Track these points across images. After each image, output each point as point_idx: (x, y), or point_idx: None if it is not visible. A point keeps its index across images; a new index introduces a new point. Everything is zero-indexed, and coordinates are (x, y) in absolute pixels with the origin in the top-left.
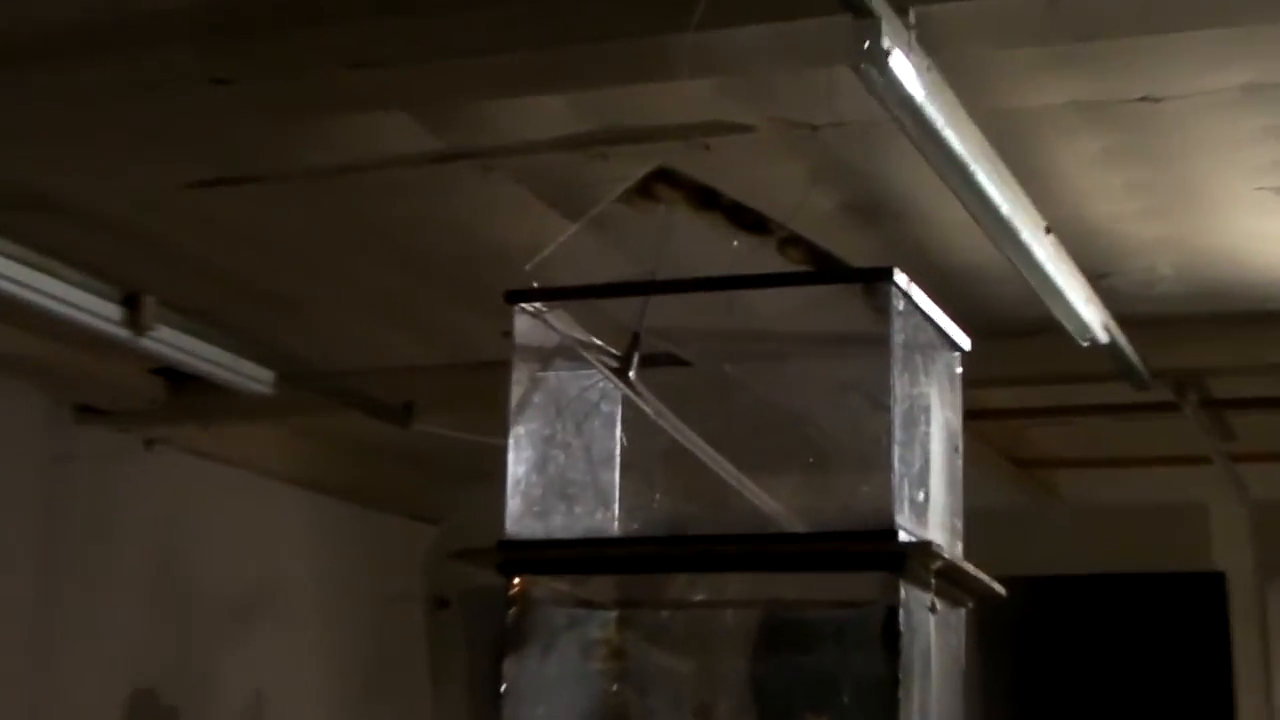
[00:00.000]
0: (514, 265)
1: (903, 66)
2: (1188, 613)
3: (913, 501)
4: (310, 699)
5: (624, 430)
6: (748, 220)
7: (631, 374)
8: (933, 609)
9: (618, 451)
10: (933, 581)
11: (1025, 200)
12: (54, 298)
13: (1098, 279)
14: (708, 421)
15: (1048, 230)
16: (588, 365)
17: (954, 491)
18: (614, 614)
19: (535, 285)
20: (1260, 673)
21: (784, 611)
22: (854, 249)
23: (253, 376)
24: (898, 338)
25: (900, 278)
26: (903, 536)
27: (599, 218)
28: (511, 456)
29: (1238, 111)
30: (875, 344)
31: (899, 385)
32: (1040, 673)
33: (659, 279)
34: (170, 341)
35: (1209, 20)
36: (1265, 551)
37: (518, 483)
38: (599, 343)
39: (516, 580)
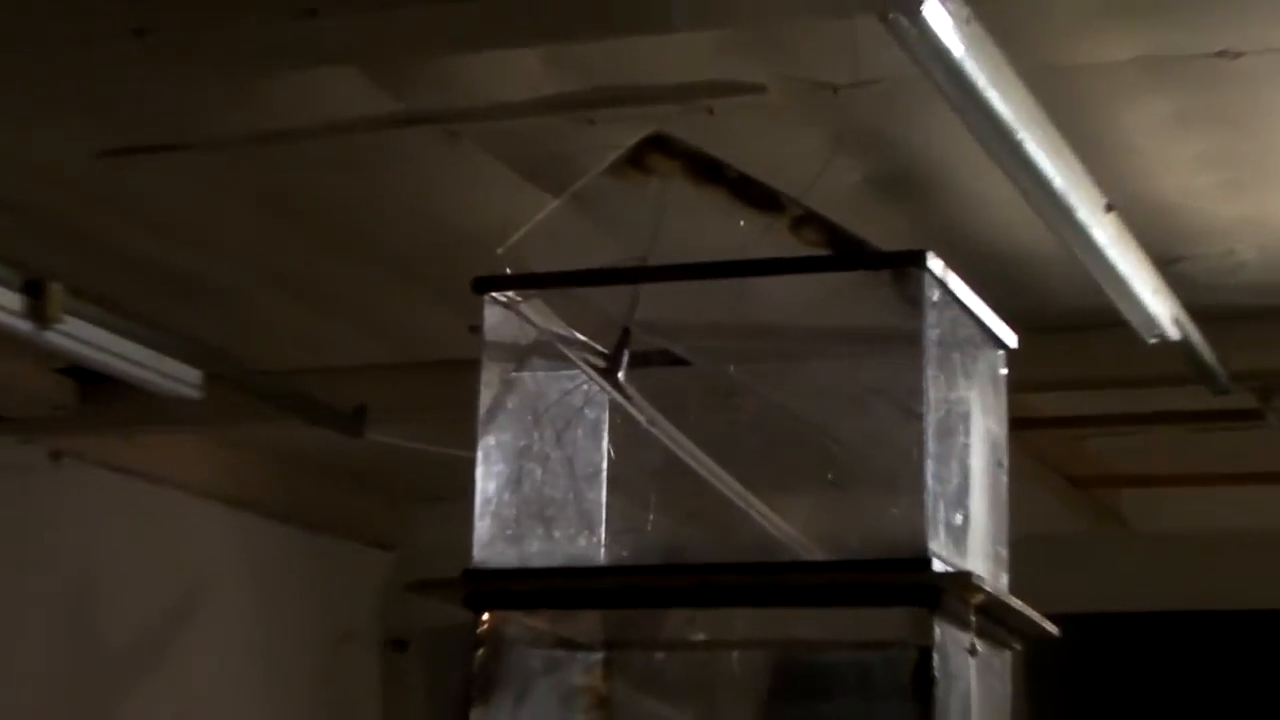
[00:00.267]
0: (483, 248)
1: (938, 16)
2: (1272, 658)
3: (949, 526)
4: None
5: (612, 441)
6: (757, 196)
7: (620, 375)
8: (973, 651)
9: (604, 466)
10: (973, 619)
11: (1082, 173)
12: None
13: (1168, 265)
14: (710, 431)
15: (1109, 208)
16: (569, 365)
17: (998, 514)
18: (600, 656)
19: (508, 271)
20: None
21: (799, 654)
22: (881, 230)
23: (177, 377)
24: (932, 333)
25: (935, 263)
26: (938, 566)
27: (583, 193)
28: (480, 471)
29: None
30: (905, 341)
31: (933, 389)
32: None
33: (652, 264)
34: (80, 336)
35: None
36: None
37: (487, 502)
38: (583, 339)
39: (486, 616)
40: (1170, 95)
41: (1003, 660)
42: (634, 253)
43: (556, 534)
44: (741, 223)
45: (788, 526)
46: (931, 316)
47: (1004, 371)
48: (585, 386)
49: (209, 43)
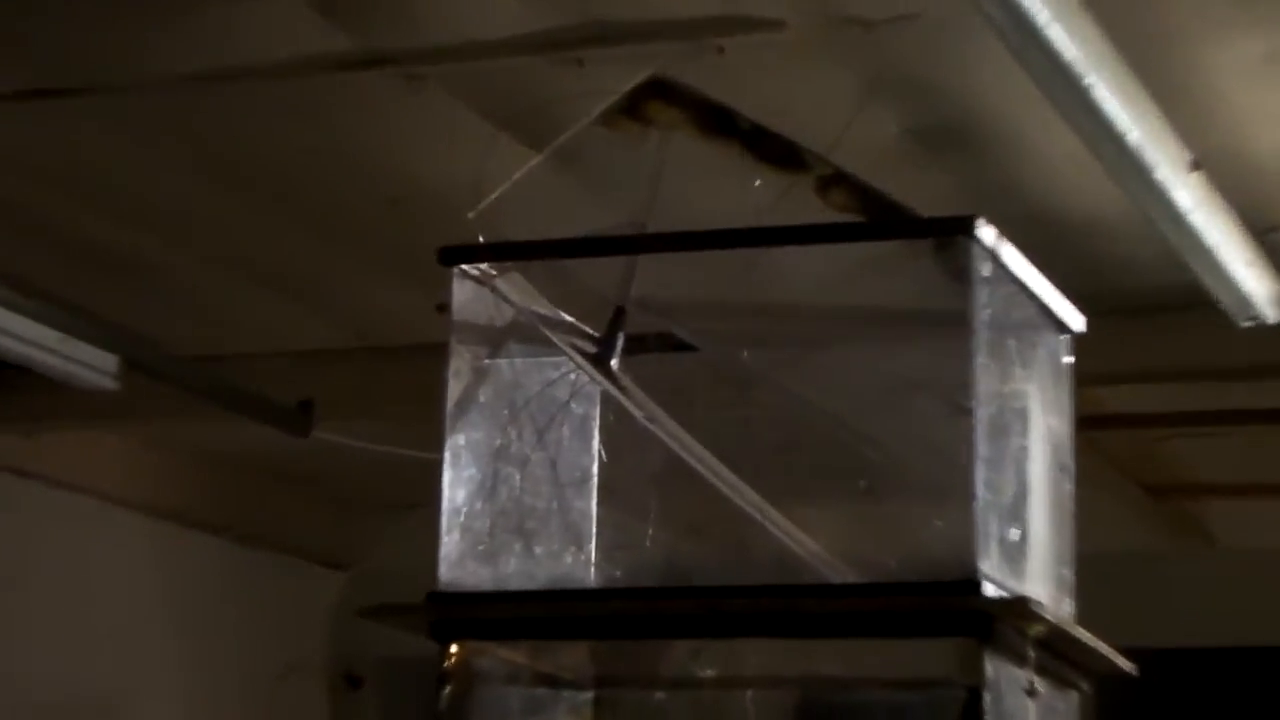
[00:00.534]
0: (453, 213)
1: None
2: None
3: (1003, 542)
4: None
5: (603, 441)
6: (775, 152)
7: (614, 363)
8: (1031, 692)
9: (595, 470)
10: (1031, 654)
11: (1163, 124)
12: None
13: (1264, 234)
14: (719, 430)
15: (1195, 166)
16: (554, 350)
17: (1061, 529)
18: (589, 695)
19: (481, 240)
20: None
21: (824, 694)
22: (922, 192)
23: (91, 364)
24: (982, 315)
25: (986, 231)
26: (989, 591)
27: (569, 148)
28: (447, 476)
29: None
30: (951, 324)
31: (984, 381)
32: None
33: (651, 232)
34: None
35: None
36: None
37: (456, 513)
38: (569, 320)
39: (454, 648)
40: (1267, 33)
41: (1067, 702)
42: (630, 218)
43: (538, 550)
44: (757, 183)
45: (811, 543)
46: (982, 294)
47: (1068, 360)
48: (572, 376)
49: None
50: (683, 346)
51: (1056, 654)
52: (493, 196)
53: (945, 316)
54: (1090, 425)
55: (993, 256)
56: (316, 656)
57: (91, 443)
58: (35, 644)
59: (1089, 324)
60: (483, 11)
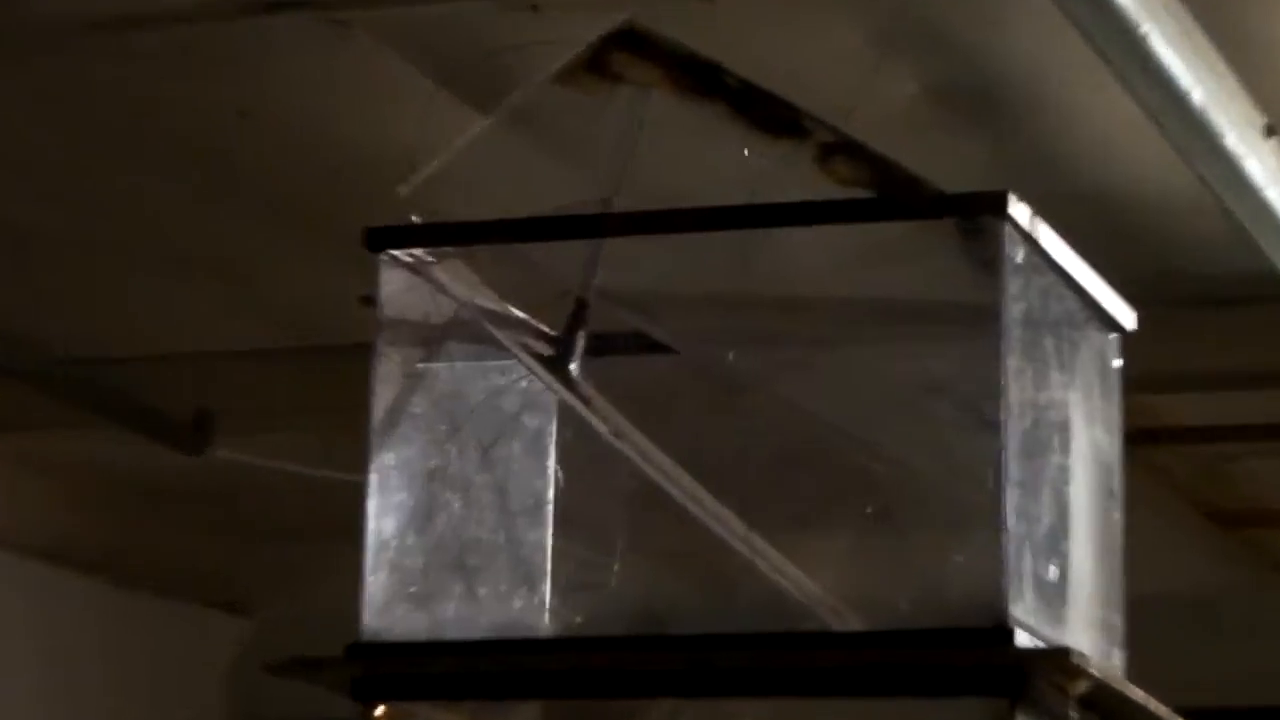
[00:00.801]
0: (382, 186)
1: None
2: None
3: (1039, 581)
4: None
5: (561, 460)
6: (770, 115)
7: (573, 367)
8: None
9: (551, 495)
10: (1074, 715)
11: (1233, 83)
12: None
13: None
14: (700, 447)
15: (1270, 131)
16: (502, 352)
17: (1108, 565)
18: None
19: (415, 220)
20: None
21: None
22: (945, 163)
23: None
24: (1014, 310)
25: (1020, 210)
26: (1023, 640)
27: (523, 109)
28: (373, 503)
29: None
30: (977, 321)
31: (1016, 387)
32: None
33: (620, 211)
34: None
35: None
36: None
37: (384, 547)
38: (520, 316)
39: (380, 710)
40: None
41: None
42: (594, 194)
43: (482, 592)
44: (747, 152)
45: (810, 582)
46: (1015, 285)
47: (1118, 363)
48: (524, 383)
49: None
50: (657, 347)
51: (1104, 714)
52: (430, 167)
53: (970, 312)
54: (1144, 440)
55: (1028, 240)
56: (214, 716)
57: None
58: None
59: (1143, 319)
60: None
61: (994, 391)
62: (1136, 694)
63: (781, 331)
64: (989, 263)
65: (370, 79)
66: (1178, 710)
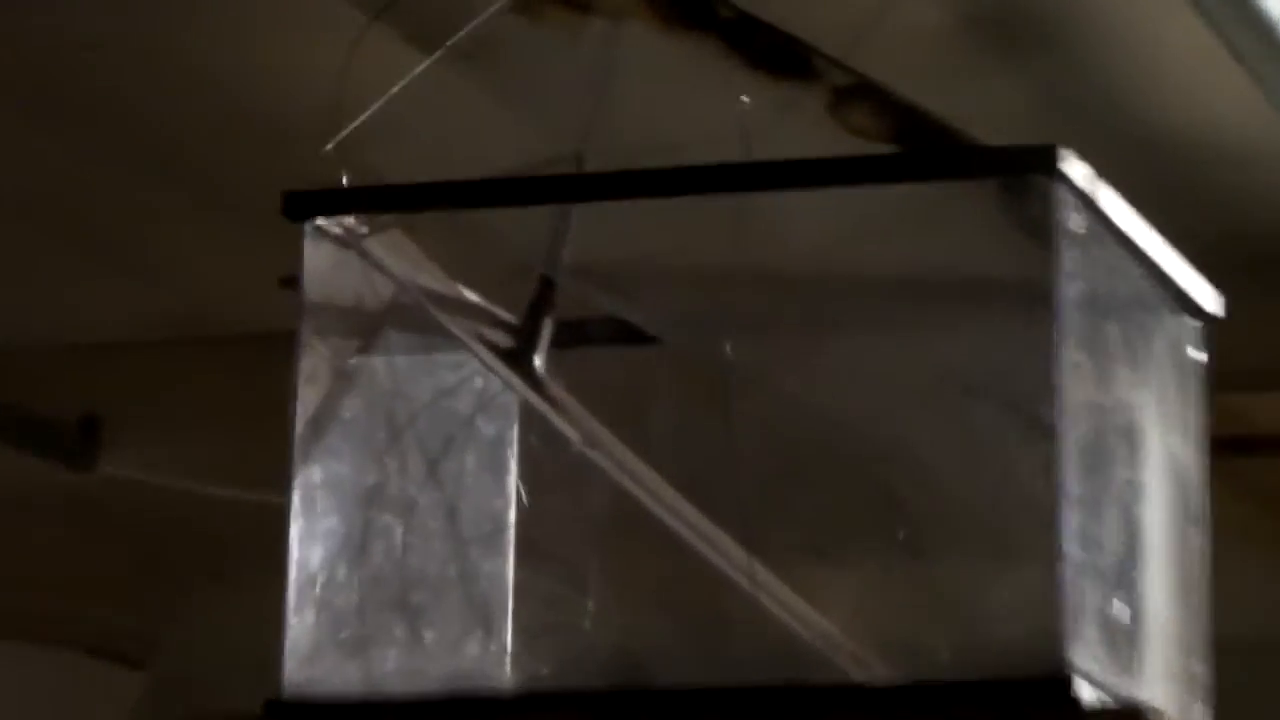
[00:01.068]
0: (305, 140)
1: None
2: None
3: (1104, 620)
4: None
5: (524, 476)
6: (771, 53)
7: (538, 361)
8: None
9: (511, 518)
10: None
11: None
12: None
13: None
14: (691, 457)
15: None
16: (452, 343)
17: (1189, 601)
18: None
19: (345, 182)
20: None
21: None
22: (984, 109)
23: None
24: (1070, 288)
25: (1075, 167)
26: (1086, 693)
27: (474, 47)
28: (297, 529)
29: None
30: (1025, 302)
31: (1074, 387)
32: None
33: (593, 171)
34: None
35: None
36: None
37: (310, 582)
38: (473, 299)
39: None
40: None
41: None
42: (561, 150)
43: (429, 636)
44: (744, 98)
45: (826, 623)
46: (1070, 259)
47: (1199, 356)
48: (479, 381)
49: None
50: (638, 336)
51: None
52: (363, 118)
53: (1016, 293)
54: (1232, 450)
55: (1086, 203)
56: None
57: None
58: None
59: (1230, 302)
60: None
61: (1047, 390)
62: None
63: (787, 317)
64: (1038, 232)
65: (288, 8)
66: None
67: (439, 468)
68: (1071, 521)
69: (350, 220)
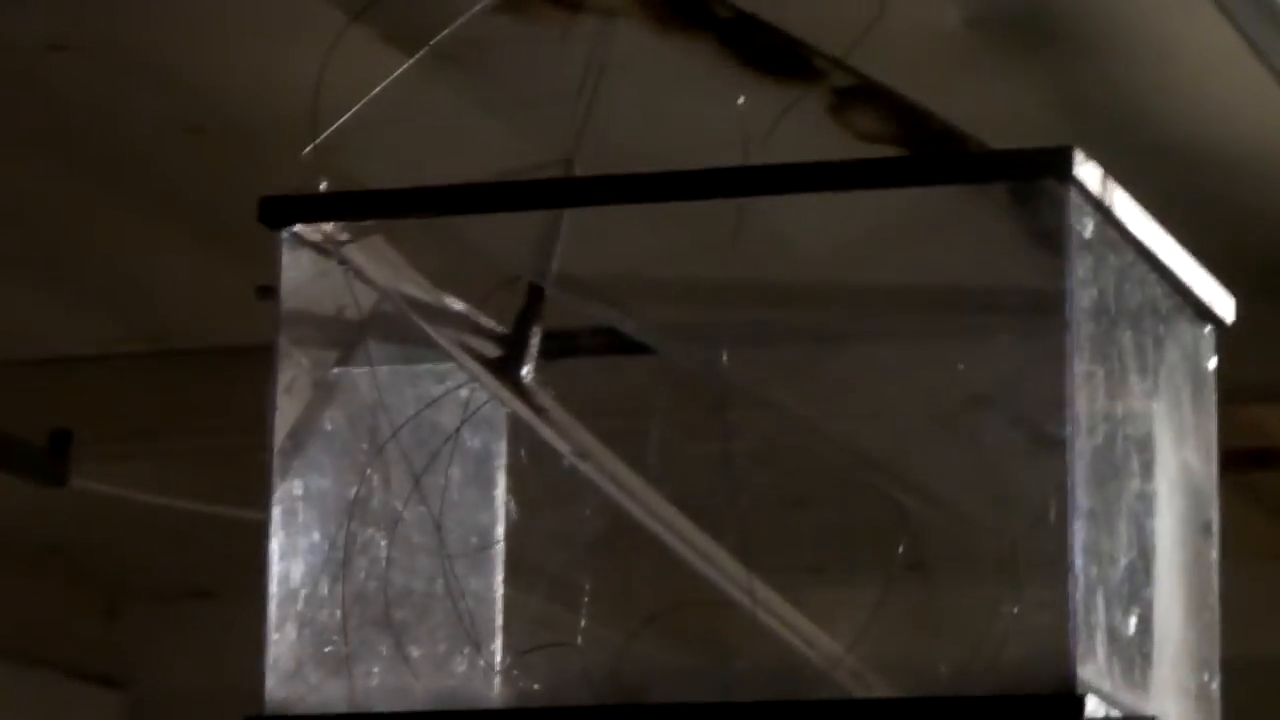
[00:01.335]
0: (281, 146)
1: None
2: None
3: (1114, 636)
4: None
5: (512, 489)
6: (770, 53)
7: (526, 372)
8: None
9: (500, 532)
10: None
11: None
12: None
13: None
14: (687, 472)
15: None
16: (437, 354)
17: (1202, 618)
18: None
19: (324, 188)
20: None
21: None
22: (994, 111)
23: None
24: (1081, 296)
25: (1088, 170)
26: (1095, 710)
27: (459, 47)
28: (277, 544)
29: None
30: (1034, 311)
31: (1085, 395)
32: None
33: (584, 176)
34: None
35: None
36: None
37: (291, 598)
38: (459, 308)
39: None
40: None
41: None
42: (550, 155)
43: (415, 653)
44: (742, 100)
45: (825, 639)
46: (1082, 266)
47: (1212, 364)
48: (465, 393)
49: None
50: (631, 347)
51: None
52: (341, 120)
53: (1026, 301)
54: (1246, 463)
55: (1099, 208)
56: None
57: None
58: None
59: (1245, 310)
60: None
61: (1057, 401)
62: None
63: (786, 327)
64: (1049, 238)
65: (264, 8)
66: None
67: (423, 482)
68: (1080, 536)
69: (330, 227)
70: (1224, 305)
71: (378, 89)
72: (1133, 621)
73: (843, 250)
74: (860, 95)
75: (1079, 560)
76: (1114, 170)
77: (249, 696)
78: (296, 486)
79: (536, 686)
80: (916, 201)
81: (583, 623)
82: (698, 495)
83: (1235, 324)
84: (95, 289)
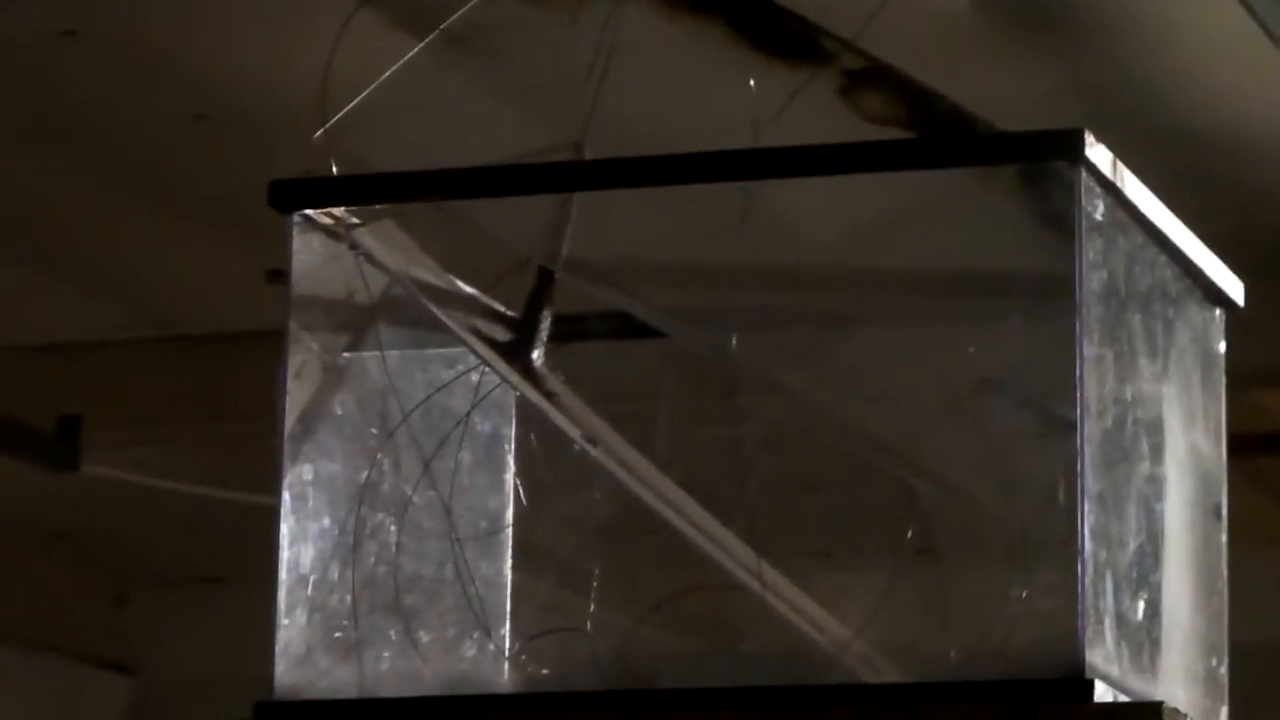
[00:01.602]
0: (291, 130)
1: None
2: None
3: (1123, 621)
4: None
5: (522, 474)
6: (779, 35)
7: (536, 355)
8: None
9: (509, 517)
10: None
11: None
12: None
13: None
14: (695, 456)
15: None
16: (448, 338)
17: (1210, 602)
18: None
19: (335, 171)
20: None
21: None
22: (1005, 94)
23: None
24: (1091, 279)
25: (1099, 153)
26: (1103, 694)
27: (465, 30)
28: (287, 529)
29: None
30: (1044, 293)
31: (1094, 379)
32: None
33: (593, 159)
34: None
35: None
36: None
37: (301, 583)
38: (469, 292)
39: None
40: None
41: None
42: (559, 139)
43: (424, 639)
44: (752, 83)
45: (834, 623)
46: (1092, 249)
47: (1222, 348)
48: (475, 377)
49: None
50: (640, 331)
51: None
52: (352, 104)
53: (1036, 284)
54: (1255, 448)
55: (1109, 191)
56: None
57: None
58: None
59: (1255, 293)
60: None
61: (1066, 384)
62: None
63: (795, 311)
64: (1059, 221)
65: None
66: None
67: (433, 466)
68: (1089, 520)
69: (340, 210)
70: (1234, 288)
71: (387, 73)
72: (1141, 606)
73: (852, 233)
74: (870, 78)
75: (1088, 544)
76: (1123, 153)
77: (258, 682)
78: (306, 471)
79: (545, 671)
80: (926, 184)
81: (592, 607)
82: (707, 479)
83: (1240, 308)
84: (103, 276)
